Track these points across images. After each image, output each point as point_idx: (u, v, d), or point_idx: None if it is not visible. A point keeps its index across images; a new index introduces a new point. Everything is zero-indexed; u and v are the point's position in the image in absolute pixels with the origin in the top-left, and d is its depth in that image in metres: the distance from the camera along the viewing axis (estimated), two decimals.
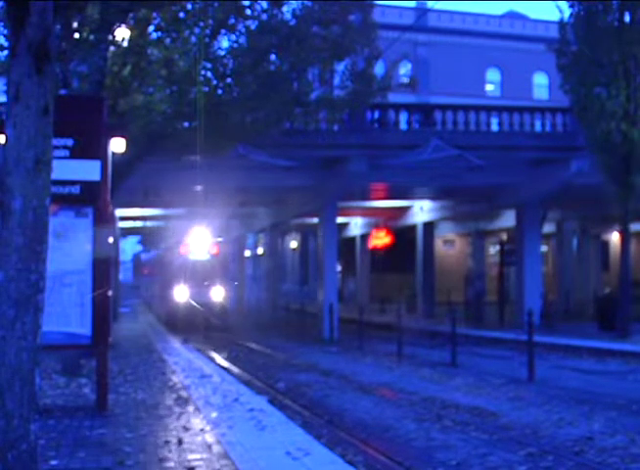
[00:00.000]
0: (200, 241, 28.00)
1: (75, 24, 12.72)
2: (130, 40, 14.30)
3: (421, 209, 32.34)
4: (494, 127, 24.12)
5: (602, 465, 7.04)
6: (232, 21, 16.16)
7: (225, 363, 16.10)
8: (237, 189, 24.85)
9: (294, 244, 49.84)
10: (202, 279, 27.71)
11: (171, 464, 5.89)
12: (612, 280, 32.76)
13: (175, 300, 27.24)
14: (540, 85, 45.64)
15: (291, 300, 38.68)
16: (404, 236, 35.11)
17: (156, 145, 16.41)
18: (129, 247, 68.39)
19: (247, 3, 16.23)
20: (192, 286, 27.43)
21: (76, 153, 7.79)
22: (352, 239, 40.30)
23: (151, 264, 43.87)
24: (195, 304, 26.69)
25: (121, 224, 36.01)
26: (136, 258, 59.27)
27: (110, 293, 8.52)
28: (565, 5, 23.16)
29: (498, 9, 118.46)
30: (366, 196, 28.85)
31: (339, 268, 33.74)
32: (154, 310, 36.67)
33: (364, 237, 39.04)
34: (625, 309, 20.03)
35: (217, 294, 27.67)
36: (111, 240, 9.37)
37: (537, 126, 24.31)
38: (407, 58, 36.66)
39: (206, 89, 16.65)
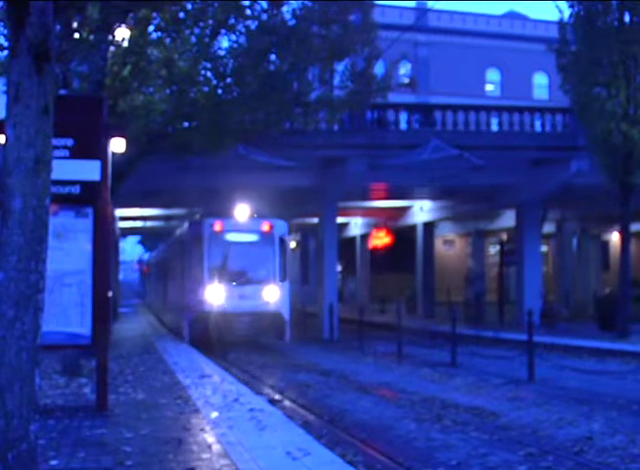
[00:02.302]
0: (242, 213, 19.43)
1: (75, 24, 12.72)
2: (130, 40, 14.30)
3: (421, 209, 32.35)
4: (494, 127, 24.12)
5: (602, 465, 7.04)
6: (232, 21, 16.17)
7: (225, 363, 16.09)
8: (237, 189, 24.85)
9: (293, 244, 49.83)
10: (246, 274, 19.23)
11: (171, 464, 5.89)
12: (612, 280, 32.78)
13: (204, 306, 18.68)
14: (540, 85, 45.67)
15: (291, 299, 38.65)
16: (404, 236, 35.12)
17: (156, 145, 16.43)
18: (129, 247, 68.48)
19: (247, 3, 16.24)
20: (231, 285, 18.83)
21: (76, 153, 7.79)
22: (352, 239, 40.30)
23: (161, 257, 33.47)
24: (236, 313, 18.59)
25: (121, 224, 36.01)
26: (141, 260, 58.39)
27: (110, 293, 8.52)
28: (565, 5, 23.16)
29: (498, 9, 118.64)
30: (366, 196, 28.85)
31: (339, 268, 33.72)
32: (165, 319, 27.31)
33: (364, 237, 39.04)
34: (625, 309, 20.03)
35: (271, 296, 18.99)
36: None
37: (537, 126, 24.33)
38: (407, 58, 36.69)
39: (206, 89, 16.68)
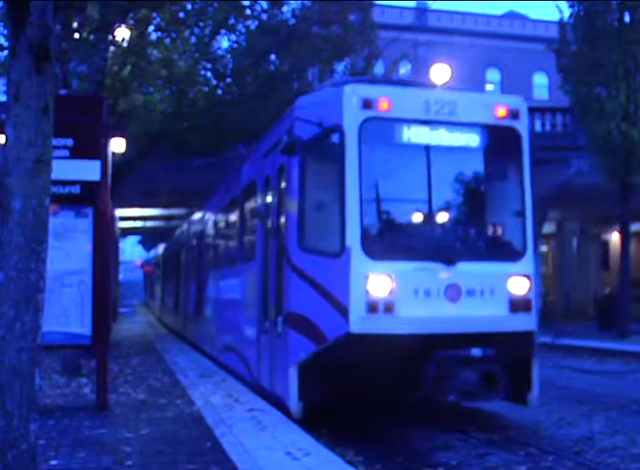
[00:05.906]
0: (441, 78, 7.11)
1: (75, 24, 12.74)
2: (130, 40, 14.33)
3: None
4: None
5: (602, 465, 7.03)
6: (232, 21, 16.20)
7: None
8: None
9: None
10: (459, 236, 8.38)
11: (171, 464, 5.88)
12: (612, 280, 32.79)
13: (349, 323, 7.35)
14: (540, 85, 45.66)
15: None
16: None
17: (156, 145, 16.45)
18: (129, 247, 68.48)
19: (247, 3, 16.27)
20: (421, 265, 7.55)
21: (76, 153, 7.79)
22: None
23: (188, 233, 19.77)
24: (440, 336, 7.59)
25: (121, 224, 36.01)
26: (147, 260, 57.17)
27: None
28: (565, 5, 23.16)
29: (498, 9, 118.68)
30: None
31: None
32: (206, 348, 14.98)
33: None
34: (625, 309, 20.04)
35: (520, 292, 7.92)
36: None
37: (537, 126, 24.32)
38: (407, 58, 36.66)
39: (206, 89, 16.70)
